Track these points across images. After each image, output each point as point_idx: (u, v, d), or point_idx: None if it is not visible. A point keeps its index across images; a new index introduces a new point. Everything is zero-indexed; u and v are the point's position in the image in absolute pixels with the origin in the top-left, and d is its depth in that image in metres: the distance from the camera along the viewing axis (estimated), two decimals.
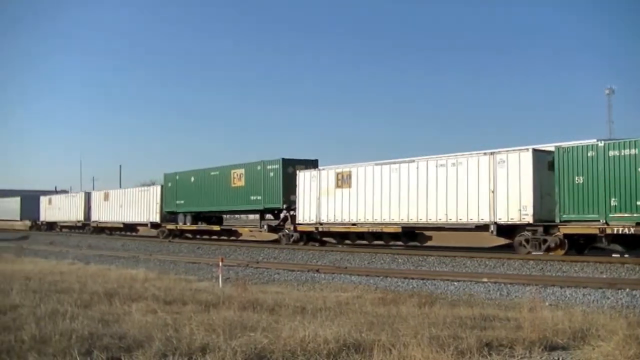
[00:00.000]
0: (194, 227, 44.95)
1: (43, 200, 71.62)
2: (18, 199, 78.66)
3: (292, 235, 34.85)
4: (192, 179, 44.79)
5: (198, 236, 45.45)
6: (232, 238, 41.91)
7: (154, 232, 49.09)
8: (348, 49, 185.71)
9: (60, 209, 66.07)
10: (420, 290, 18.18)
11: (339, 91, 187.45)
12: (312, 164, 36.23)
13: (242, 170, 39.60)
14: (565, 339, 9.05)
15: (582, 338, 9.15)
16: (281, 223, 37.17)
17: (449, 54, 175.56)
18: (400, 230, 28.85)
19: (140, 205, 50.61)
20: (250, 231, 40.83)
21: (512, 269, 21.92)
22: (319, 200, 32.83)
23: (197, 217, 44.98)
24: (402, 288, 19.18)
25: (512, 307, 13.28)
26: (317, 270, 23.75)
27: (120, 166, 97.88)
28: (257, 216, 41.54)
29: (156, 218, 48.48)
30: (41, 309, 10.89)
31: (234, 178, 40.12)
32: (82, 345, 7.97)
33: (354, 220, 30.96)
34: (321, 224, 32.74)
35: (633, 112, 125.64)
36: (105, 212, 56.40)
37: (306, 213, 33.61)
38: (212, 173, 42.85)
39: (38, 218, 71.85)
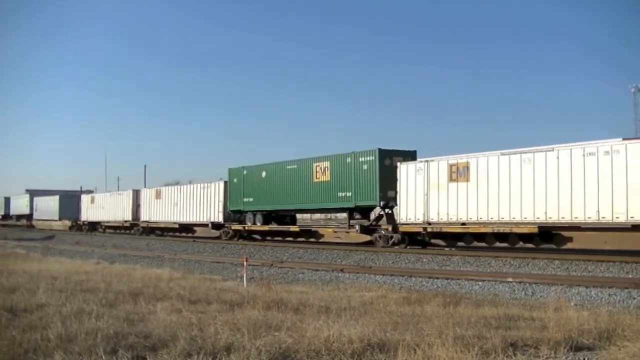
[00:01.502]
0: (265, 227, 40.68)
1: (85, 198, 67.92)
2: (57, 197, 74.84)
3: (392, 237, 30.45)
4: (264, 173, 40.38)
5: (268, 238, 41.55)
6: (312, 240, 37.54)
7: (214, 233, 45.17)
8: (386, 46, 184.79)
9: (104, 208, 62.05)
10: (445, 289, 18.10)
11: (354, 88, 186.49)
12: (410, 155, 31.85)
13: (327, 163, 35.04)
14: (590, 339, 8.97)
15: (607, 338, 9.07)
16: (374, 223, 33.47)
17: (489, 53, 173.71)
18: (536, 230, 24.71)
19: (199, 203, 46.33)
20: (335, 232, 36.66)
21: (537, 269, 21.77)
22: (426, 197, 28.61)
23: (268, 216, 40.81)
24: (427, 288, 19.12)
25: (537, 307, 13.17)
26: (342, 270, 23.74)
27: (145, 166, 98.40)
28: (331, 215, 39.79)
29: (219, 218, 44.15)
30: (67, 308, 10.95)
31: (316, 172, 35.67)
32: (107, 344, 8.00)
33: (473, 219, 26.80)
34: (430, 224, 28.51)
35: None
36: (157, 212, 52.43)
37: (410, 211, 29.35)
38: (289, 167, 38.33)
39: (78, 218, 68.16)
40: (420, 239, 29.80)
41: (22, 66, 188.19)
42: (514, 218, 25.29)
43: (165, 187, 53.79)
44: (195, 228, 48.53)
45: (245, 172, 42.10)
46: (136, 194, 56.71)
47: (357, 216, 34.21)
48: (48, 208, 75.54)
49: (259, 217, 40.63)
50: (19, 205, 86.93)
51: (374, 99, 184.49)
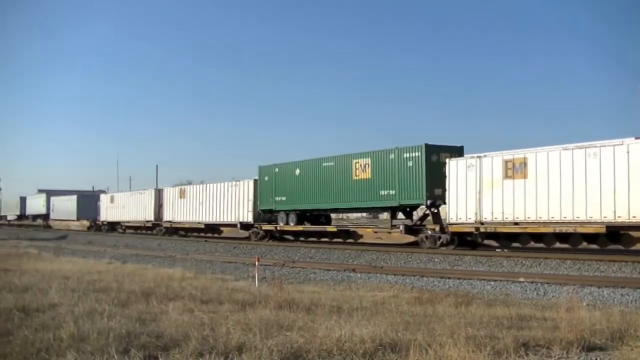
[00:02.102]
0: (299, 228, 38.58)
1: (104, 198, 66.09)
2: (74, 197, 73.22)
3: (439, 238, 28.64)
4: (298, 171, 38.25)
5: (302, 239, 39.53)
6: (350, 241, 35.88)
7: (243, 233, 43.25)
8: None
9: (124, 208, 60.14)
10: (457, 289, 18.07)
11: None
12: (456, 151, 30.11)
13: (368, 160, 33.04)
14: (603, 340, 8.95)
15: (620, 339, 9.05)
16: (418, 223, 31.56)
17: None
18: (603, 230, 22.94)
19: (227, 202, 44.17)
20: (375, 232, 34.73)
21: (548, 269, 21.67)
22: (479, 195, 26.83)
23: (302, 216, 38.74)
24: (439, 288, 19.09)
25: (549, 307, 13.14)
26: (354, 270, 23.69)
27: (157, 166, 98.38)
28: (369, 214, 37.80)
29: (248, 217, 42.07)
30: (79, 307, 10.99)
31: (355, 169, 33.72)
32: (119, 344, 8.02)
33: (532, 219, 24.97)
34: (482, 224, 26.72)
35: None
36: (181, 211, 50.30)
37: (460, 210, 27.54)
38: (325, 164, 36.24)
39: (96, 217, 66.63)
40: (471, 239, 28.18)
41: (30, 65, 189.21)
42: (577, 217, 23.56)
43: (190, 185, 51.66)
44: (222, 228, 47.19)
45: (277, 169, 40.27)
46: (158, 193, 55.07)
47: (400, 216, 32.74)
48: (65, 208, 74.14)
49: (292, 216, 38.72)
50: (35, 205, 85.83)
51: (390, 93, 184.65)
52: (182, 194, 50.60)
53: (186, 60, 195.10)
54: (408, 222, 31.80)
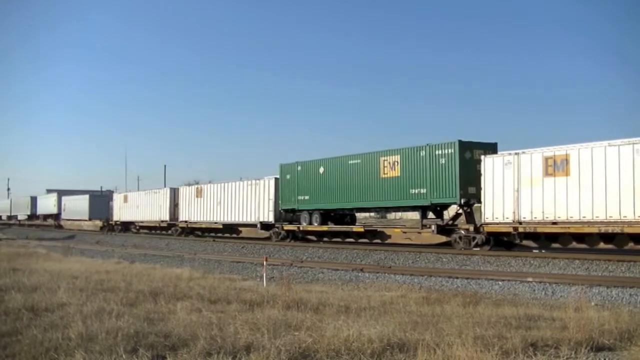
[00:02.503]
0: (324, 228, 36.84)
1: (117, 198, 64.45)
2: (86, 196, 71.75)
3: (474, 238, 27.29)
4: (322, 169, 36.65)
5: (325, 239, 38.01)
6: (376, 241, 34.41)
7: (263, 233, 41.91)
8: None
9: (138, 208, 58.32)
10: (465, 289, 18.07)
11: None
12: (490, 148, 28.71)
13: (397, 157, 31.47)
14: (611, 340, 8.95)
15: (629, 339, 9.05)
16: (450, 222, 30.10)
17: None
18: None
19: (246, 202, 42.38)
20: (404, 232, 33.40)
21: (557, 269, 21.59)
22: (517, 193, 25.44)
23: (326, 215, 37.05)
24: (447, 287, 19.09)
25: (558, 307, 13.14)
26: (361, 270, 23.68)
27: (165, 166, 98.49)
28: (394, 214, 36.17)
29: (269, 217, 40.29)
30: (87, 307, 11.02)
31: (384, 167, 32.12)
32: (127, 343, 8.04)
33: (575, 218, 23.64)
34: (521, 223, 25.28)
35: None
36: (198, 211, 48.57)
37: (497, 209, 26.14)
38: (352, 161, 34.63)
39: (108, 217, 65.12)
40: (507, 240, 27.06)
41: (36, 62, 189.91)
42: (625, 217, 22.27)
43: (207, 184, 49.67)
44: (240, 228, 45.81)
45: (299, 167, 38.52)
46: (174, 193, 53.44)
47: (431, 215, 31.10)
48: (77, 208, 72.52)
49: (315, 216, 36.98)
50: (46, 205, 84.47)
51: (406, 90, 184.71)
52: (198, 193, 48.93)
53: (195, 57, 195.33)
54: (439, 221, 30.30)
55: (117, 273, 20.08)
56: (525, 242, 26.68)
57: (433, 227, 29.51)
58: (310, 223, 37.30)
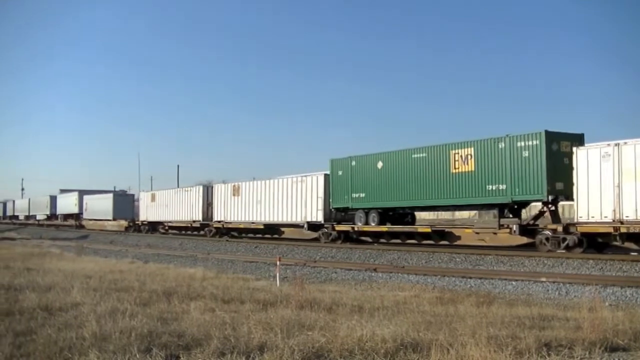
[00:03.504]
0: (383, 228, 33.63)
1: (144, 196, 61.58)
2: (110, 195, 70.56)
3: (564, 239, 24.37)
4: (380, 164, 33.65)
5: (383, 240, 34.88)
6: (443, 243, 31.11)
7: (309, 234, 38.97)
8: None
9: (167, 207, 55.53)
10: (478, 289, 18.05)
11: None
12: (577, 139, 26.19)
13: (471, 150, 28.73)
14: (626, 340, 8.88)
15: None
16: (532, 221, 27.25)
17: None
18: None
19: (291, 200, 39.38)
20: (477, 233, 29.58)
21: (570, 269, 21.45)
22: (618, 189, 22.84)
23: (384, 214, 34.09)
24: (460, 287, 19.07)
25: (571, 307, 13.12)
26: (375, 270, 23.67)
27: (178, 166, 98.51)
28: (458, 212, 33.42)
29: (317, 217, 37.22)
30: (101, 306, 11.04)
31: (454, 161, 29.37)
32: (141, 343, 8.04)
33: None
34: (622, 223, 22.54)
35: None
36: (235, 211, 45.51)
37: (593, 207, 23.44)
38: (416, 155, 31.60)
39: (133, 217, 63.67)
40: (603, 241, 24.25)
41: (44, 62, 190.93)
42: None
43: (245, 182, 45.86)
44: (283, 229, 42.86)
45: (353, 163, 35.69)
46: (207, 191, 50.35)
47: (509, 214, 28.09)
48: (100, 207, 70.47)
49: (373, 215, 34.05)
50: (67, 205, 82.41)
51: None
52: (235, 192, 45.71)
53: (203, 56, 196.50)
54: (516, 220, 27.35)
55: (131, 273, 20.15)
56: (626, 244, 23.91)
57: (514, 227, 26.50)
58: (367, 223, 34.37)
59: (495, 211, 28.93)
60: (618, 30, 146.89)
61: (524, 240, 27.07)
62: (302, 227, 38.62)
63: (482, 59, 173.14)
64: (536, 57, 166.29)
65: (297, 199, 38.87)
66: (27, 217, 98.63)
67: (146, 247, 42.23)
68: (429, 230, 31.66)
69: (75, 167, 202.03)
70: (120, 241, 49.83)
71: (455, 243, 30.30)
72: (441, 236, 31.33)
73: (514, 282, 19.26)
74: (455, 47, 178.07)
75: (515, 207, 28.13)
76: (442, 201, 30.82)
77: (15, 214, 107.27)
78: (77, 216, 77.53)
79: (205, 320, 10.03)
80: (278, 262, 19.90)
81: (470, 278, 20.57)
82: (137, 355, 7.44)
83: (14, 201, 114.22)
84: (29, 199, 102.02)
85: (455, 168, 29.34)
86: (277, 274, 19.12)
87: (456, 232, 31.20)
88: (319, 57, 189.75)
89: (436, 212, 55.89)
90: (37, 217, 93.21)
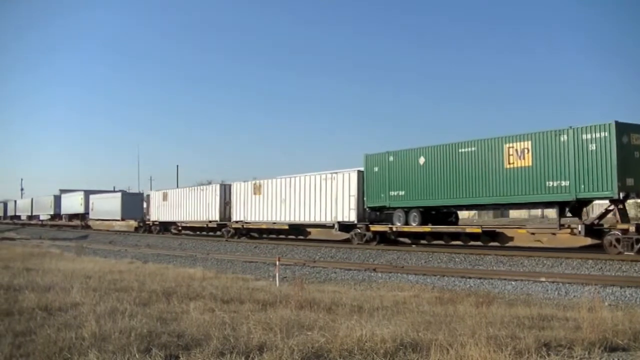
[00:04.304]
0: (425, 228, 31.04)
1: (155, 195, 58.85)
2: (118, 195, 68.55)
3: (638, 240, 22.26)
4: (422, 159, 31.07)
5: (423, 241, 32.42)
6: (493, 244, 28.73)
7: (339, 235, 36.42)
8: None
9: (181, 207, 53.17)
10: (478, 289, 18.06)
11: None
12: None
13: (528, 143, 26.33)
14: (625, 340, 8.87)
15: None
16: (596, 221, 25.00)
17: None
18: None
19: (319, 199, 36.75)
20: (532, 234, 27.34)
21: (570, 269, 21.47)
22: None
23: (425, 213, 31.53)
24: (460, 287, 19.07)
25: (571, 307, 13.12)
26: (374, 270, 23.68)
27: (178, 166, 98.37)
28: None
29: (350, 216, 34.78)
30: (101, 307, 11.03)
31: (509, 155, 26.86)
32: (141, 343, 8.03)
33: None
34: None
35: None
36: (256, 210, 42.99)
37: None
38: (464, 149, 29.04)
39: (142, 217, 62.17)
40: None
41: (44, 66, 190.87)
42: None
43: (268, 179, 42.86)
44: (309, 230, 40.53)
45: (391, 158, 32.90)
46: (224, 189, 47.85)
47: (568, 213, 26.10)
48: (108, 207, 68.35)
49: (414, 215, 31.49)
50: (72, 204, 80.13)
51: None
52: (257, 190, 43.08)
53: (202, 57, 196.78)
54: (579, 220, 25.51)
55: (130, 273, 20.14)
56: None
57: (579, 227, 24.14)
58: (407, 223, 31.75)
59: (555, 210, 26.98)
60: (618, 30, 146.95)
61: (588, 241, 25.01)
62: (331, 227, 36.33)
63: (481, 60, 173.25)
64: (535, 56, 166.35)
65: (327, 197, 36.36)
66: (30, 217, 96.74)
67: (145, 247, 42.25)
68: (478, 230, 29.09)
69: (74, 167, 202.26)
70: (119, 241, 49.82)
71: (508, 245, 28.02)
72: (491, 237, 28.93)
73: (513, 282, 19.28)
74: (463, 47, 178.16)
75: (576, 205, 25.97)
76: (493, 199, 28.11)
77: (17, 214, 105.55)
78: (83, 216, 75.57)
79: (205, 320, 10.01)
80: (277, 262, 19.90)
81: (470, 278, 20.58)
82: (137, 355, 7.44)
83: (15, 201, 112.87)
84: (32, 199, 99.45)
85: (509, 163, 26.89)
86: (277, 274, 19.12)
87: (508, 232, 28.63)
88: (320, 56, 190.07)
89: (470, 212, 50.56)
90: (41, 217, 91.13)
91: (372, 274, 22.92)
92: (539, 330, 9.68)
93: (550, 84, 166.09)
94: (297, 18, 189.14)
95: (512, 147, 26.75)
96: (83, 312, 10.56)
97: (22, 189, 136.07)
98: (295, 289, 14.03)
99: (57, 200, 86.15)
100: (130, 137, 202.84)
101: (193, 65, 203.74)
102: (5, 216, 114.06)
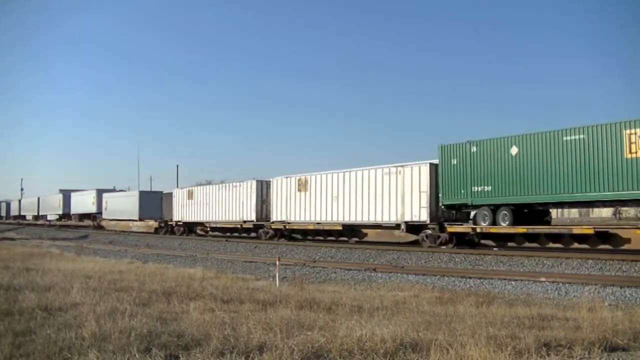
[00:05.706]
0: (520, 229, 26.28)
1: (179, 193, 54.42)
2: (136, 193, 64.45)
3: None
4: (514, 149, 26.86)
5: (511, 244, 27.75)
6: (605, 247, 24.58)
7: (404, 237, 32.06)
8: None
9: (209, 205, 49.26)
10: (478, 289, 18.05)
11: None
12: None
13: None
14: (625, 340, 8.89)
15: None
16: None
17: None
18: None
19: (380, 195, 32.94)
20: None
21: (570, 269, 21.47)
22: None
23: (517, 212, 27.24)
24: (459, 287, 19.07)
25: (571, 307, 13.12)
26: (374, 270, 23.66)
27: (178, 166, 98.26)
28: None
29: (420, 215, 30.75)
30: (101, 307, 11.02)
31: (630, 143, 22.80)
32: (141, 343, 8.03)
33: None
34: None
35: None
36: (300, 209, 38.89)
37: None
38: (569, 137, 24.84)
39: (161, 217, 58.13)
40: None
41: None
42: None
43: (314, 174, 38.44)
44: (365, 231, 35.42)
45: (474, 148, 28.66)
46: (262, 186, 43.89)
47: None
48: (123, 206, 64.65)
49: (503, 213, 27.25)
50: (83, 203, 76.65)
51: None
52: (301, 187, 38.83)
53: (199, 59, 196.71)
54: None
55: (130, 273, 20.12)
56: None
57: None
58: (495, 222, 27.51)
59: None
60: (618, 32, 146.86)
61: None
62: (394, 228, 32.54)
63: (482, 61, 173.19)
64: (536, 59, 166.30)
65: (391, 194, 32.48)
66: (36, 217, 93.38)
67: (145, 247, 42.24)
68: (590, 231, 24.47)
69: (74, 168, 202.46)
70: (119, 241, 49.78)
71: (622, 247, 23.90)
72: (603, 239, 24.64)
73: (513, 282, 19.27)
74: (456, 49, 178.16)
75: None
76: (607, 195, 23.88)
77: (22, 213, 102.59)
78: (95, 216, 72.10)
79: (205, 320, 10.01)
80: (277, 262, 19.90)
81: (470, 278, 20.58)
82: (137, 355, 7.43)
83: (19, 200, 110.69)
84: (39, 198, 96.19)
85: (631, 152, 22.87)
86: (277, 274, 19.12)
87: (623, 233, 24.35)
88: (318, 60, 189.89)
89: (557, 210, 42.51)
90: (48, 217, 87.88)
91: (372, 274, 22.91)
92: (539, 330, 9.69)
93: (551, 88, 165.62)
94: (297, 18, 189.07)
95: (635, 133, 22.80)
96: (83, 312, 10.55)
97: (22, 189, 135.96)
98: (295, 289, 14.04)
99: (67, 199, 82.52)
100: (130, 137, 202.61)
101: (193, 65, 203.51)
102: (7, 216, 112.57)
